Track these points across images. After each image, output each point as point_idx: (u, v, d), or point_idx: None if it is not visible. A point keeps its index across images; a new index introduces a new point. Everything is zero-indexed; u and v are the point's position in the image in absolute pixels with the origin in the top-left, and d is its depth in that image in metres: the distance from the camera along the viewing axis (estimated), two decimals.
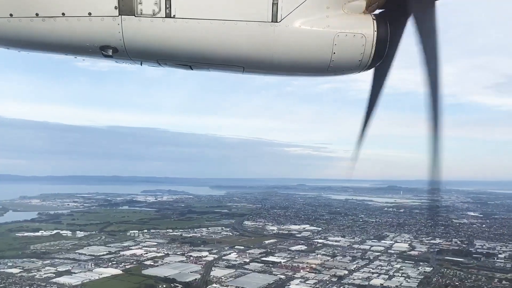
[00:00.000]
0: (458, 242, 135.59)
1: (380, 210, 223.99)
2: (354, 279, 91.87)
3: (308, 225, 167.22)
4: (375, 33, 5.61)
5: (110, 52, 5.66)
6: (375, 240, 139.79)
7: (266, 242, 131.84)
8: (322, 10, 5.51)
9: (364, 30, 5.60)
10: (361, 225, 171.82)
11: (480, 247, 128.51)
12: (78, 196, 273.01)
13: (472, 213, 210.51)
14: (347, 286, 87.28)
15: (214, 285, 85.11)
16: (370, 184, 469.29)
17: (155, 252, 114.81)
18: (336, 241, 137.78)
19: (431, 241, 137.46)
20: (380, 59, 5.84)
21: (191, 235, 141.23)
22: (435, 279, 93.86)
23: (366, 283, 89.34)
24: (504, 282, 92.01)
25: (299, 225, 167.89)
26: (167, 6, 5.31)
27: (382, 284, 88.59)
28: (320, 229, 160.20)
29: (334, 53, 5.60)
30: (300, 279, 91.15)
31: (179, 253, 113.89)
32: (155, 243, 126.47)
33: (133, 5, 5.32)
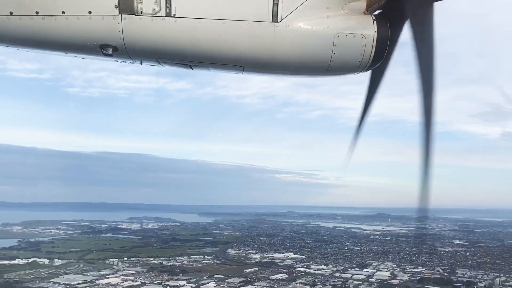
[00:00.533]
0: (441, 271, 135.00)
1: (366, 238, 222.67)
2: None
3: (292, 253, 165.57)
4: (376, 33, 5.59)
5: (110, 51, 5.66)
6: (358, 269, 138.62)
7: (247, 270, 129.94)
8: (322, 11, 5.51)
9: (364, 31, 5.59)
10: (346, 253, 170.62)
11: (462, 275, 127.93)
12: (62, 223, 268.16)
13: (457, 241, 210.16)
14: None
15: None
16: (360, 211, 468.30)
17: (132, 281, 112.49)
18: (318, 269, 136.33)
19: (414, 270, 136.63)
20: (380, 60, 5.86)
21: (171, 263, 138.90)
22: None
23: None
24: None
25: (283, 253, 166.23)
26: (168, 5, 5.31)
27: None
28: (303, 257, 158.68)
29: (334, 53, 5.60)
30: None
31: (156, 282, 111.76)
32: (133, 272, 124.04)
33: (134, 4, 5.33)
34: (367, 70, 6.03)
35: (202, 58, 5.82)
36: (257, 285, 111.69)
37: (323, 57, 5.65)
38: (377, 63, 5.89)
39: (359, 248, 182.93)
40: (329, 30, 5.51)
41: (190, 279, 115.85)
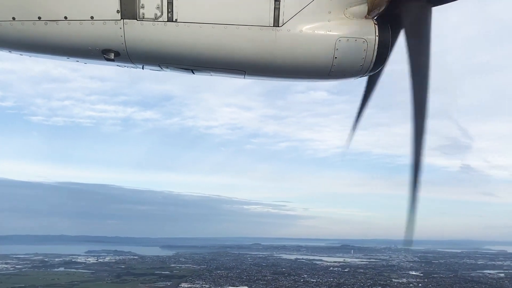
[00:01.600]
0: None
1: (325, 270, 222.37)
2: None
3: (247, 287, 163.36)
4: (377, 38, 5.68)
5: (112, 56, 5.70)
6: None
7: None
8: (324, 15, 5.54)
9: (365, 35, 5.66)
10: (300, 285, 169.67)
11: None
12: (13, 257, 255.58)
13: (413, 272, 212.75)
14: None
15: None
16: (326, 243, 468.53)
17: None
18: None
19: None
20: (382, 64, 5.94)
21: None
22: None
23: None
24: None
25: (237, 286, 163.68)
26: (169, 10, 5.33)
27: None
28: None
29: (336, 57, 5.66)
30: None
31: None
32: None
33: (135, 9, 5.36)
34: (368, 74, 6.12)
35: (203, 62, 5.88)
36: None
37: (325, 61, 5.70)
38: (379, 67, 6.00)
39: (314, 281, 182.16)
40: (330, 34, 5.57)
41: None
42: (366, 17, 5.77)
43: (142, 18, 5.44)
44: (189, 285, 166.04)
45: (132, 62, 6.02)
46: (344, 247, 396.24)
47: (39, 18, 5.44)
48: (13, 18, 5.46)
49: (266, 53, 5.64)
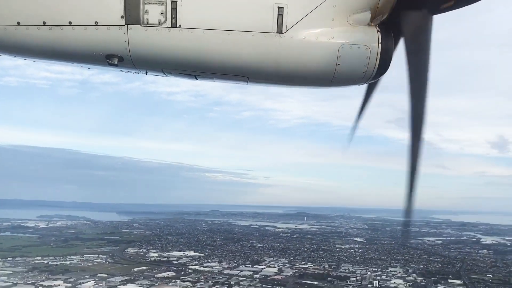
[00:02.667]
0: (326, 266, 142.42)
1: (275, 236, 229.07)
2: None
3: (193, 252, 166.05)
4: (380, 45, 5.59)
5: (115, 61, 5.62)
6: (249, 265, 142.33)
7: (136, 269, 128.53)
8: (327, 22, 5.47)
9: (368, 42, 5.57)
10: (247, 250, 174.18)
11: (343, 270, 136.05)
12: None
13: (358, 239, 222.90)
14: None
15: None
16: (283, 210, 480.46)
17: (3, 282, 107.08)
18: (210, 267, 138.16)
19: (302, 266, 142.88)
20: (385, 71, 5.82)
21: (58, 263, 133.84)
22: None
23: None
24: None
25: (183, 251, 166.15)
26: (173, 16, 5.28)
27: None
28: (202, 255, 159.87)
29: (339, 64, 5.58)
30: None
31: (29, 282, 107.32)
32: (11, 272, 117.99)
33: (140, 14, 5.30)
34: (371, 81, 6.05)
35: (207, 68, 5.82)
36: (138, 284, 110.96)
37: (328, 68, 5.64)
38: (382, 74, 5.89)
39: (261, 246, 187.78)
40: (333, 41, 5.50)
41: (69, 278, 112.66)
42: (369, 25, 5.71)
43: (146, 24, 5.41)
44: (135, 250, 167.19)
45: (136, 68, 6.03)
46: (299, 214, 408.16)
47: (44, 23, 5.42)
48: (18, 23, 5.44)
49: (269, 59, 5.64)
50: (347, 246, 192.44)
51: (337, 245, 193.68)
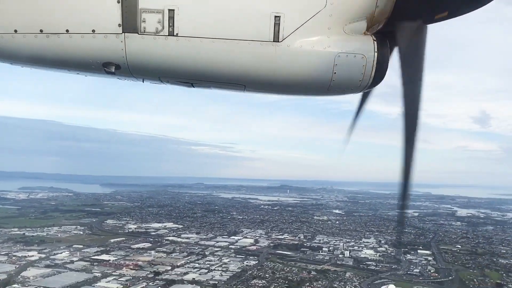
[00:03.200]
0: (302, 237, 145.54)
1: (256, 208, 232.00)
2: (170, 275, 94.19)
3: (172, 223, 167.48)
4: (376, 54, 5.63)
5: (112, 69, 5.62)
6: (226, 236, 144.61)
7: (112, 240, 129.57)
8: (323, 31, 5.50)
9: (364, 51, 5.61)
10: (226, 222, 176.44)
11: (317, 241, 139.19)
12: None
13: (337, 211, 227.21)
14: (157, 282, 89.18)
15: (15, 285, 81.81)
16: (267, 183, 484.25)
17: None
18: (187, 238, 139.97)
19: (278, 236, 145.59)
20: (381, 80, 5.85)
21: (34, 234, 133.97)
22: (250, 271, 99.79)
23: (179, 277, 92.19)
24: (313, 272, 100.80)
25: (162, 223, 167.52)
26: (170, 24, 5.26)
27: (194, 278, 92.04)
28: (181, 226, 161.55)
29: (335, 73, 5.60)
30: (115, 277, 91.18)
31: (3, 253, 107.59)
32: None
33: (137, 23, 5.28)
34: (367, 89, 6.11)
35: (203, 76, 5.84)
36: (113, 254, 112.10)
37: (324, 76, 5.68)
38: (378, 83, 5.94)
39: (241, 217, 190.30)
40: (330, 50, 5.55)
41: (44, 249, 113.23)
42: (365, 34, 5.75)
43: (143, 32, 5.38)
44: (114, 222, 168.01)
45: (133, 76, 6.00)
46: (283, 187, 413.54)
47: (41, 31, 5.42)
48: (15, 31, 5.44)
49: (266, 68, 5.65)
50: (325, 218, 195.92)
51: (315, 217, 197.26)
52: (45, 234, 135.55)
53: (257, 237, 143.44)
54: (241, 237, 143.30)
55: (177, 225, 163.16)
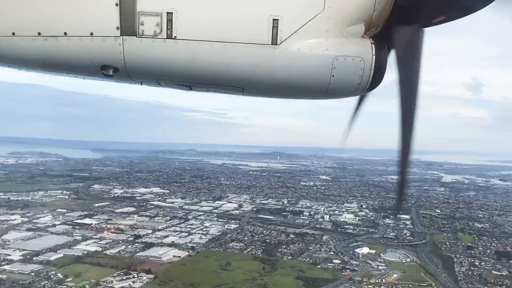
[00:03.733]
0: (285, 202, 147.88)
1: (245, 174, 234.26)
2: (150, 238, 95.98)
3: (159, 188, 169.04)
4: (374, 57, 5.61)
5: (110, 72, 5.60)
6: (210, 201, 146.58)
7: (96, 205, 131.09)
8: (321, 34, 5.48)
9: (362, 54, 5.60)
10: (212, 187, 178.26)
11: (300, 206, 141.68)
12: None
13: (324, 177, 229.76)
14: (136, 245, 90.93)
15: None
16: (259, 150, 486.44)
17: None
18: (171, 202, 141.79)
19: (262, 201, 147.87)
20: (379, 83, 5.84)
21: (19, 198, 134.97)
22: (229, 235, 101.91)
23: (159, 241, 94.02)
24: (291, 235, 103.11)
25: (149, 188, 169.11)
26: (169, 27, 5.26)
27: (173, 241, 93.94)
28: (167, 191, 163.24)
29: (333, 76, 5.60)
30: (95, 240, 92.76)
31: None
32: None
33: (135, 26, 5.27)
34: (365, 92, 6.10)
35: (202, 79, 5.83)
36: (95, 218, 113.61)
37: (322, 79, 5.66)
38: (375, 86, 5.92)
39: (228, 183, 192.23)
40: (328, 53, 5.54)
41: (27, 213, 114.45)
42: (363, 36, 5.70)
43: (142, 35, 5.34)
44: (101, 187, 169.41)
45: (131, 78, 5.98)
46: (274, 154, 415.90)
47: (39, 33, 5.36)
48: (13, 34, 5.39)
49: (264, 71, 5.62)
50: (311, 183, 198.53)
51: (301, 183, 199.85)
52: (30, 198, 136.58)
53: (241, 202, 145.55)
54: (226, 202, 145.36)
55: (163, 190, 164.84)
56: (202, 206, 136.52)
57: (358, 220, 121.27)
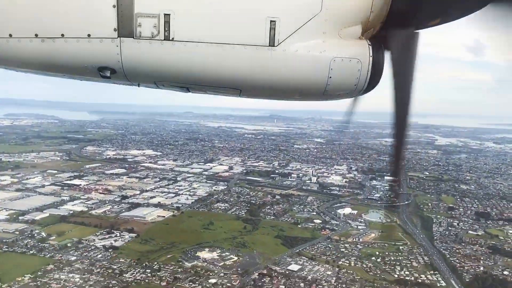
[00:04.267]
0: (275, 165, 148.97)
1: (239, 137, 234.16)
2: (137, 199, 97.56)
3: (151, 151, 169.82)
4: (371, 58, 5.64)
5: (108, 74, 5.64)
6: (202, 163, 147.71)
7: (87, 166, 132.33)
8: (318, 35, 5.51)
9: (359, 55, 5.63)
10: (205, 150, 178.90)
11: (290, 168, 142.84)
12: None
13: (318, 139, 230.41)
14: (123, 205, 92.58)
15: None
16: (258, 113, 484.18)
17: None
18: (163, 164, 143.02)
19: (253, 164, 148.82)
20: (376, 84, 5.88)
21: (11, 159, 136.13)
22: (216, 196, 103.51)
23: (145, 201, 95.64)
24: (277, 197, 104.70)
25: (142, 150, 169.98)
26: (166, 29, 5.29)
27: (159, 202, 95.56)
28: (160, 153, 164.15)
29: (330, 77, 5.62)
30: (82, 200, 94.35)
31: None
32: None
33: (132, 27, 5.30)
34: (362, 94, 6.13)
35: (199, 81, 5.87)
36: (85, 179, 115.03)
37: (320, 81, 5.69)
38: (373, 87, 5.98)
39: (222, 145, 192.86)
40: (325, 55, 5.56)
41: (17, 174, 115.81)
42: (360, 38, 5.73)
43: (139, 37, 5.37)
44: (94, 148, 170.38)
45: (128, 80, 6.00)
46: (271, 117, 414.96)
47: (36, 35, 5.36)
48: (10, 35, 5.38)
49: (262, 72, 5.65)
50: (304, 146, 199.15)
51: (295, 146, 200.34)
52: (22, 160, 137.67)
53: (232, 165, 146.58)
54: (217, 165, 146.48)
55: (156, 152, 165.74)
56: (192, 168, 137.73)
57: (345, 181, 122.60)
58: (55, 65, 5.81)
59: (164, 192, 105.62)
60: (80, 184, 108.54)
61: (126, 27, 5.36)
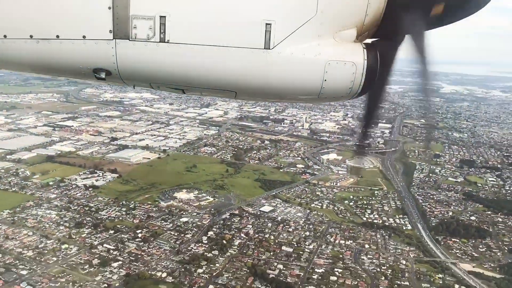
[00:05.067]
0: (272, 110, 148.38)
1: None
2: (126, 141, 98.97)
3: (149, 94, 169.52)
4: (365, 61, 5.68)
5: (103, 75, 5.63)
6: (197, 108, 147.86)
7: (83, 108, 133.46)
8: (314, 38, 5.54)
9: (354, 59, 5.67)
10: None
11: (285, 114, 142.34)
12: None
13: None
14: (111, 146, 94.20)
15: None
16: None
17: None
18: (158, 108, 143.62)
19: (250, 109, 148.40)
20: (370, 87, 5.91)
21: (8, 100, 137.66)
22: (205, 140, 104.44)
23: (134, 143, 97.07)
24: (265, 142, 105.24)
25: (140, 93, 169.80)
26: (162, 31, 5.30)
27: (147, 144, 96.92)
28: (157, 97, 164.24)
29: (325, 80, 5.66)
30: (72, 141, 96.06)
31: None
32: None
33: (128, 29, 5.30)
34: (357, 97, 6.15)
35: (194, 83, 5.84)
36: (78, 121, 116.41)
37: (314, 83, 5.70)
38: (367, 90, 5.97)
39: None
40: (320, 58, 5.59)
41: (12, 114, 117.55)
42: (355, 41, 5.73)
43: (135, 38, 5.34)
44: (93, 91, 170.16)
45: (123, 82, 5.94)
46: None
47: (31, 36, 5.34)
48: (5, 36, 5.36)
49: (257, 75, 5.63)
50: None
51: None
52: (19, 101, 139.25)
53: (228, 110, 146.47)
54: (212, 109, 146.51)
55: (153, 96, 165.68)
56: (187, 113, 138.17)
57: (337, 128, 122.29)
58: (50, 67, 5.81)
59: (154, 135, 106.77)
60: (72, 126, 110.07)
61: (121, 29, 5.33)
